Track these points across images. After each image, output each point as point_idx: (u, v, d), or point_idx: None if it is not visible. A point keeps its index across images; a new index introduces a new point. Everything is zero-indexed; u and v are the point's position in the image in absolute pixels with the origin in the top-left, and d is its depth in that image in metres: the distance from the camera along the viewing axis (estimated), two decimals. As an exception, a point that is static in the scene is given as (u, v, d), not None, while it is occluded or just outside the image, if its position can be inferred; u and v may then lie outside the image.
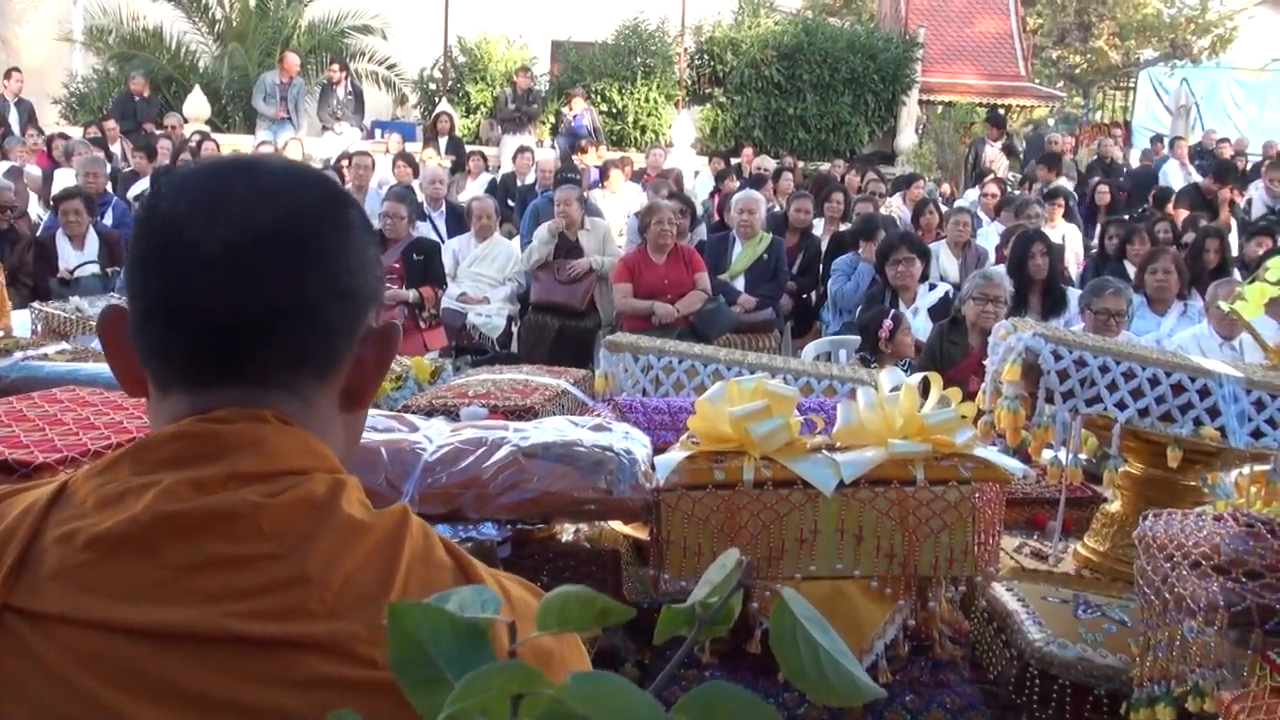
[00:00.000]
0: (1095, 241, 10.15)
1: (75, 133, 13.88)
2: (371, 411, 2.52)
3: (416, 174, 11.93)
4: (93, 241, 8.10)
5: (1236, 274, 7.54)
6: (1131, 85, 26.50)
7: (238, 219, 0.99)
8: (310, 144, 14.48)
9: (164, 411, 1.03)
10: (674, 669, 0.55)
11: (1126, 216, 11.32)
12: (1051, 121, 24.92)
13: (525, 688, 0.48)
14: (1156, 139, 18.64)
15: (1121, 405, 2.53)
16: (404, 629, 0.52)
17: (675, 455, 2.21)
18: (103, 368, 2.64)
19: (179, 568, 0.90)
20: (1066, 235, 10.43)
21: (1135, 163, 17.06)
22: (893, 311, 5.99)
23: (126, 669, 0.87)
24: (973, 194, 13.22)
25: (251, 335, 1.00)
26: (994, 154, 15.67)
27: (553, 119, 17.50)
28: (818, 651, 0.54)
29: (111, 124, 14.01)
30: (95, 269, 7.97)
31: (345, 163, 11.66)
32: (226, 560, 0.91)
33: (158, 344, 1.02)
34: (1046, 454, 2.73)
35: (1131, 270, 7.90)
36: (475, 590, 0.58)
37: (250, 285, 0.99)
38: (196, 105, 15.54)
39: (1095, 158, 16.74)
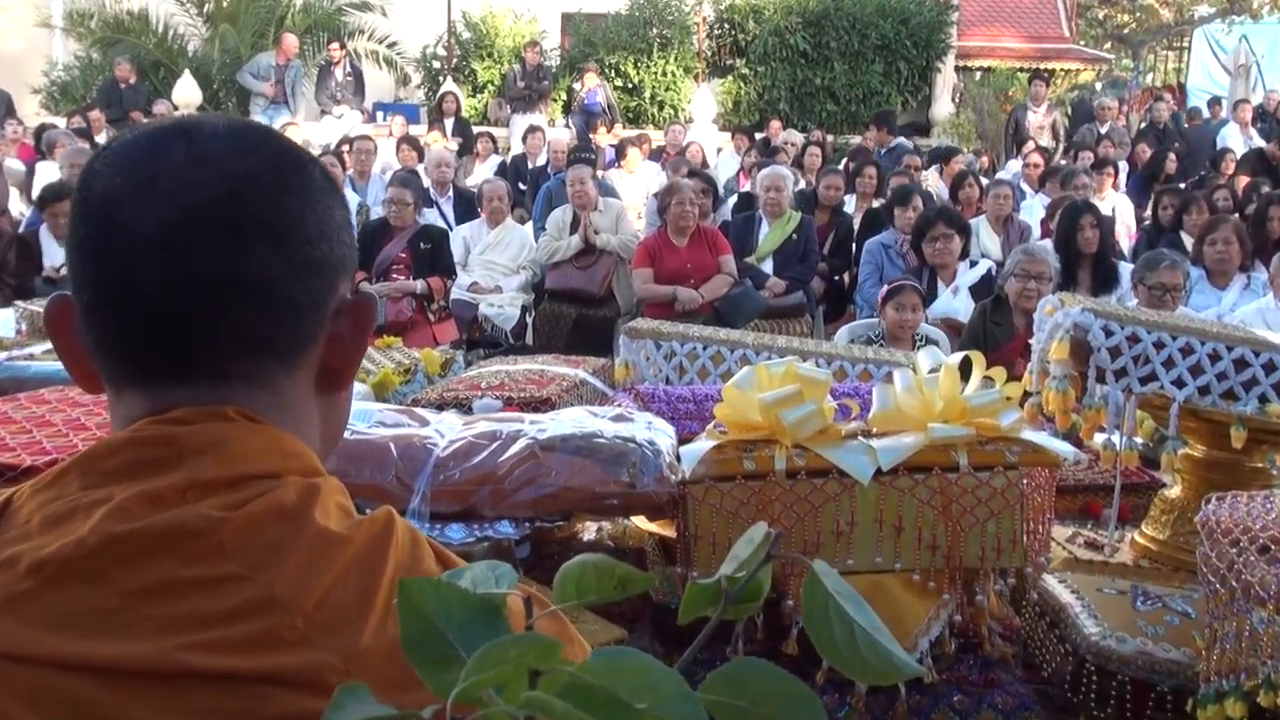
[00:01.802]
0: (1149, 212, 10.10)
1: (59, 123, 13.96)
2: (380, 406, 2.54)
3: (421, 158, 11.95)
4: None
5: (1303, 243, 7.49)
6: (1185, 45, 26.31)
7: (176, 192, 0.95)
8: (309, 128, 14.54)
9: (119, 412, 0.99)
10: (697, 649, 0.55)
11: (1183, 185, 11.24)
12: (1099, 86, 24.76)
13: (543, 661, 0.48)
14: (1214, 101, 18.51)
15: (1179, 383, 2.52)
16: (414, 605, 0.53)
17: (702, 445, 2.21)
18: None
19: (131, 595, 0.86)
20: (1117, 206, 10.39)
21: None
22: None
23: (74, 709, 0.83)
24: (1014, 165, 13.18)
25: (204, 322, 0.95)
26: (1038, 121, 15.58)
27: (564, 96, 17.51)
28: (852, 627, 0.54)
29: (96, 113, 14.05)
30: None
31: (346, 148, 11.72)
32: (184, 584, 0.86)
33: (104, 337, 0.98)
34: (1099, 437, 2.72)
35: (1189, 242, 7.86)
36: (489, 565, 0.58)
37: (196, 265, 0.94)
38: (186, 91, 15.57)
39: (1146, 123, 16.64)
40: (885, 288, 5.99)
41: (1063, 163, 12.44)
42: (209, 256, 0.94)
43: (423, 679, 0.52)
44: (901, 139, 13.92)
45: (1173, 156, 12.73)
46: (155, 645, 0.84)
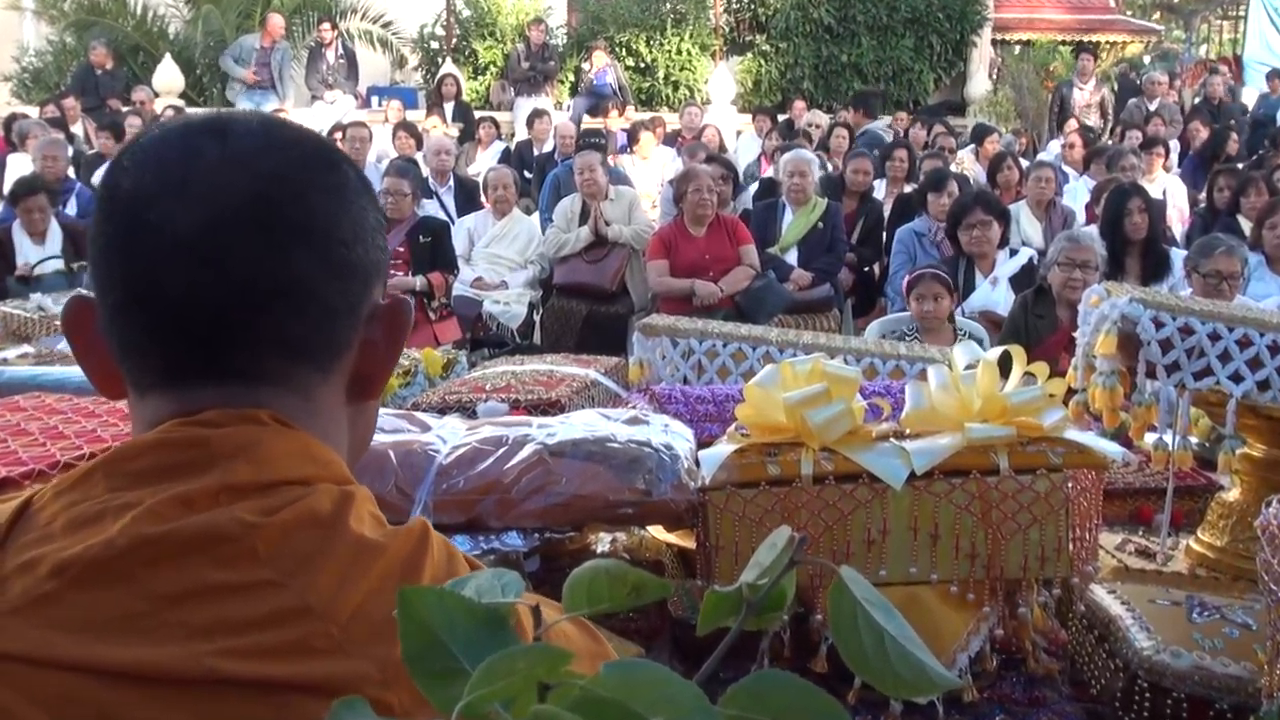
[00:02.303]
0: (1203, 194, 10.08)
1: (31, 113, 14.01)
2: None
3: (420, 145, 11.99)
4: (55, 234, 8.17)
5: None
6: (1242, 13, 26.21)
7: (209, 191, 0.98)
8: (299, 115, 14.56)
9: (143, 415, 1.02)
10: (717, 660, 0.56)
11: (1240, 165, 11.20)
12: (1147, 59, 24.69)
13: (553, 674, 0.49)
14: (1274, 74, 18.44)
15: (1237, 378, 2.52)
16: (416, 616, 0.53)
17: (722, 449, 2.21)
18: (71, 371, 2.67)
19: (160, 598, 0.89)
20: (1168, 188, 10.37)
21: (1249, 103, 16.90)
22: None
23: (97, 714, 0.86)
24: (1057, 146, 13.16)
25: (237, 324, 0.99)
26: (1085, 98, 15.54)
27: (572, 77, 17.52)
28: (882, 637, 0.54)
29: (71, 101, 14.13)
30: (59, 265, 8.04)
31: (339, 135, 11.73)
32: (216, 589, 0.89)
33: (131, 339, 1.01)
34: (1150, 437, 2.72)
35: (1247, 226, 7.83)
36: (495, 573, 0.59)
37: (230, 267, 0.98)
38: (167, 76, 15.65)
39: (1199, 99, 16.59)
40: (907, 278, 5.99)
41: (1109, 142, 12.41)
42: (242, 258, 0.98)
43: (425, 694, 0.53)
44: (874, 124, 13.80)
45: (1234, 136, 12.65)
46: (184, 650, 0.87)
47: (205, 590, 0.89)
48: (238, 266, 0.98)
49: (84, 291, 1.06)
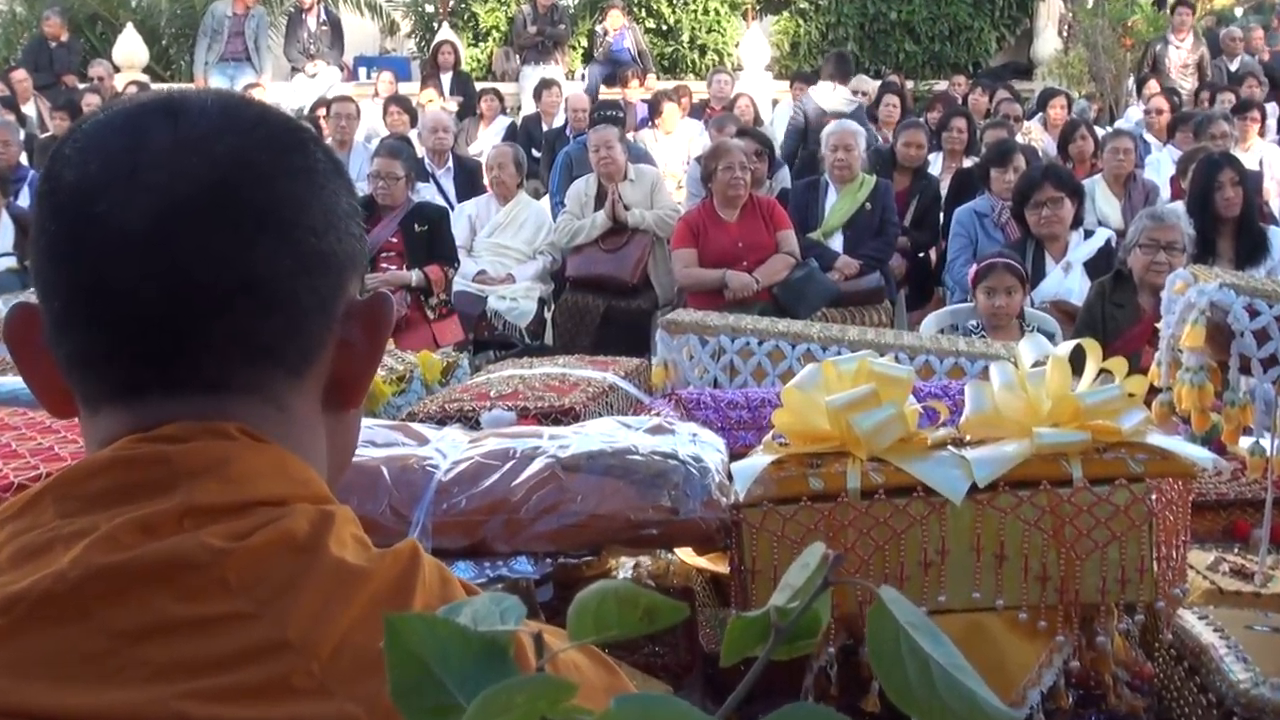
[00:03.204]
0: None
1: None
2: (369, 421, 2.55)
3: (414, 122, 12.02)
4: (6, 227, 8.21)
5: None
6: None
7: (162, 179, 0.99)
8: (277, 90, 14.62)
9: (96, 434, 1.03)
10: (744, 692, 0.56)
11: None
12: (1239, 11, 24.56)
13: (556, 708, 0.49)
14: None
15: (1343, 373, 2.51)
16: (406, 647, 0.54)
17: (758, 461, 2.21)
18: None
19: (121, 635, 0.89)
20: (1265, 158, 10.31)
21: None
22: None
23: None
24: (1136, 113, 13.09)
25: (196, 324, 0.99)
26: (1182, 58, 15.44)
27: (585, 43, 17.52)
28: (927, 664, 0.55)
29: (22, 76, 14.18)
30: (11, 262, 8.08)
31: (323, 112, 11.76)
32: (183, 624, 0.89)
33: (79, 348, 1.01)
34: (1244, 441, 2.71)
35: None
36: (493, 598, 0.60)
37: (185, 260, 0.98)
38: (130, 49, 15.70)
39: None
40: (974, 267, 5.97)
41: (1205, 105, 12.34)
42: (200, 252, 0.99)
43: (414, 732, 0.54)
44: (816, 87, 13.41)
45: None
46: (149, 694, 0.87)
47: (170, 625, 0.89)
48: (194, 260, 0.98)
49: (27, 299, 1.06)
